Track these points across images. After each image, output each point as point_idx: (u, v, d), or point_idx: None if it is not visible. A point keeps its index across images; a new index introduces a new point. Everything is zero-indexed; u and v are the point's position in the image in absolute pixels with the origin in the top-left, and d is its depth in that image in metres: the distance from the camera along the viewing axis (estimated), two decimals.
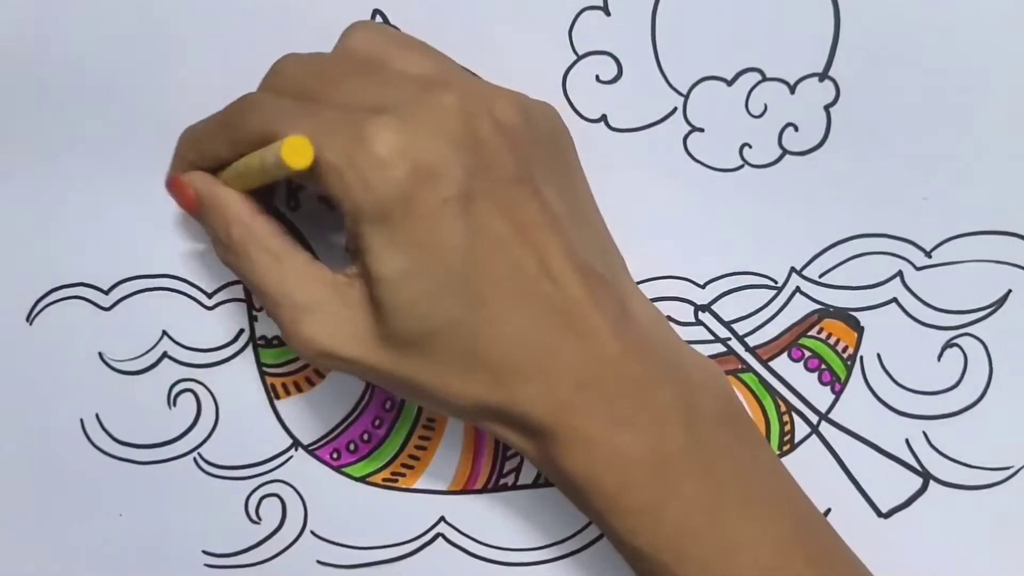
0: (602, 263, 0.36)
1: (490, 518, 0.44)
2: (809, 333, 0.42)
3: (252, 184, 0.36)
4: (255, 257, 0.36)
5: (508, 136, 0.34)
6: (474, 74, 0.39)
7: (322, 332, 0.34)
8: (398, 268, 0.32)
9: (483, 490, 0.43)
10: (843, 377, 0.42)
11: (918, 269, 0.41)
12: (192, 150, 0.38)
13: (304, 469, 0.43)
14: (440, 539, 0.44)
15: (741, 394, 0.42)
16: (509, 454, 0.43)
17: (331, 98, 0.34)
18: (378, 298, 0.33)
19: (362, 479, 0.43)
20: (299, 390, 0.43)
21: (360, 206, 0.32)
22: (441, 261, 0.32)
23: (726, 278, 0.42)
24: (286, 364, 0.43)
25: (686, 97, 0.41)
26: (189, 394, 0.43)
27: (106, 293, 0.43)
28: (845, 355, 0.42)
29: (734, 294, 0.42)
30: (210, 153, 0.37)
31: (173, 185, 0.38)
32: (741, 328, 0.42)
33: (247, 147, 0.35)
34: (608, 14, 0.40)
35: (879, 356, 0.42)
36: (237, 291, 0.43)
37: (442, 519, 0.44)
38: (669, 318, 0.42)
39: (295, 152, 0.32)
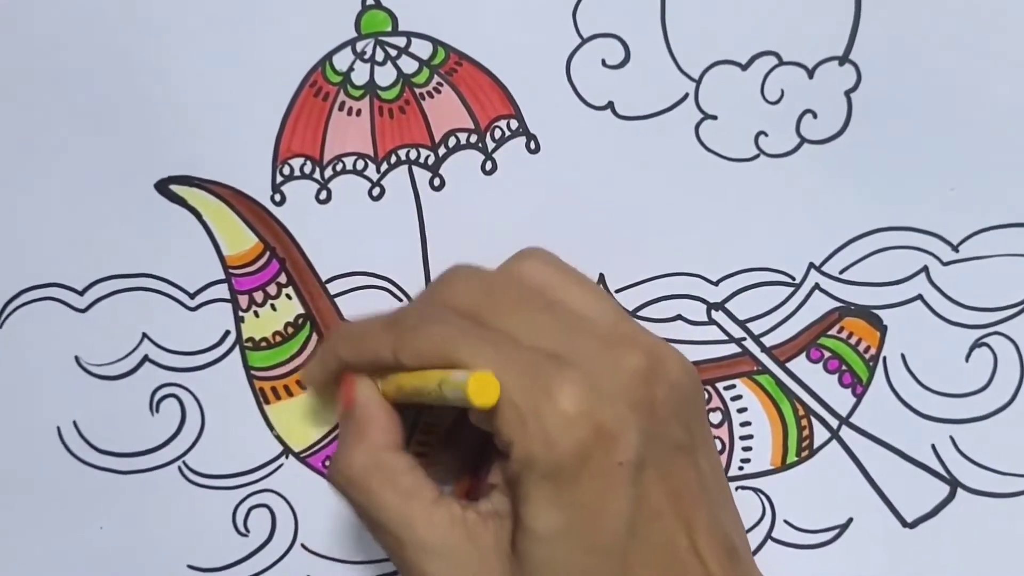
0: (736, 534, 0.37)
1: None
2: (829, 333, 0.42)
3: (412, 399, 0.36)
4: (378, 492, 0.36)
5: (677, 401, 0.35)
6: (635, 320, 0.39)
7: None
8: (556, 526, 0.33)
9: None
10: (865, 379, 0.42)
11: (945, 264, 0.41)
12: (351, 348, 0.38)
13: (295, 478, 0.43)
14: None
15: (756, 398, 0.42)
16: None
17: (505, 326, 0.35)
18: (524, 551, 0.34)
19: None
20: (289, 394, 0.43)
21: (534, 457, 0.33)
22: (601, 526, 0.33)
23: (741, 275, 0.42)
24: (275, 367, 0.43)
25: (698, 82, 0.41)
26: (172, 399, 0.43)
27: (81, 294, 0.42)
28: (867, 356, 0.42)
29: (749, 291, 0.42)
30: (370, 356, 0.37)
31: (345, 381, 0.39)
32: (757, 327, 0.42)
33: (414, 360, 0.35)
34: None
35: (903, 357, 0.42)
36: (221, 291, 0.43)
37: None
38: (680, 317, 0.42)
39: (482, 390, 0.33)
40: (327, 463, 0.43)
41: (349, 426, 0.38)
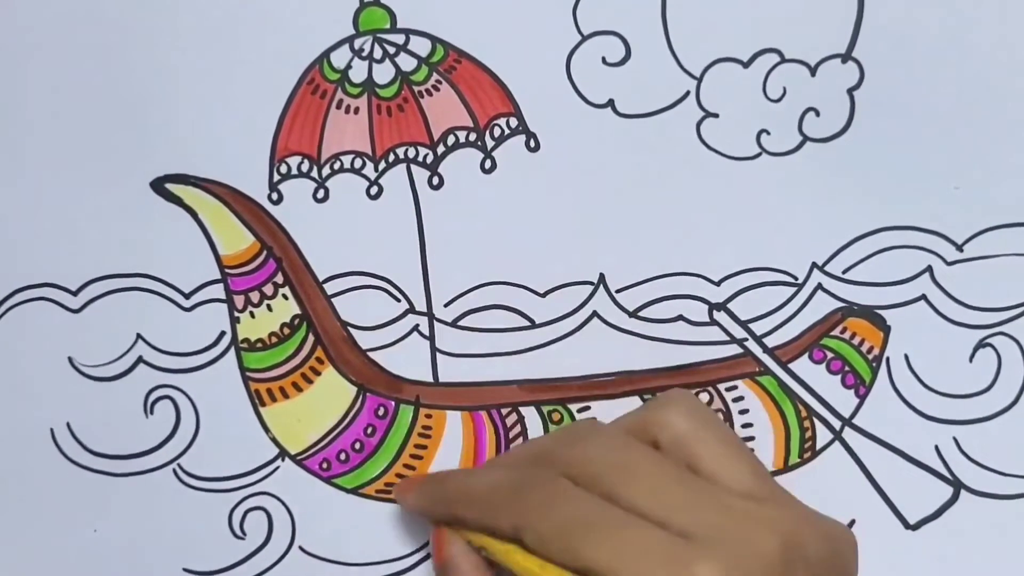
0: None
1: None
2: (832, 333, 0.42)
3: (518, 572, 0.36)
4: None
5: None
6: (780, 488, 0.38)
7: None
8: None
9: None
10: (868, 380, 0.42)
11: (949, 264, 0.41)
12: (469, 509, 0.38)
13: (292, 480, 0.43)
14: None
15: (759, 399, 0.42)
16: None
17: (638, 502, 0.34)
18: None
19: (354, 491, 0.43)
20: (285, 396, 0.43)
21: None
22: None
23: (743, 274, 0.42)
24: (271, 368, 0.43)
25: (699, 80, 0.41)
26: (167, 401, 0.43)
27: (75, 294, 0.42)
28: (870, 356, 0.42)
29: (751, 292, 0.42)
30: (489, 524, 0.37)
31: (435, 534, 0.39)
32: (759, 328, 0.42)
33: (538, 546, 0.35)
34: None
35: (907, 357, 0.42)
36: (217, 291, 0.42)
37: None
38: (681, 317, 0.42)
39: None
40: (323, 464, 0.43)
41: None
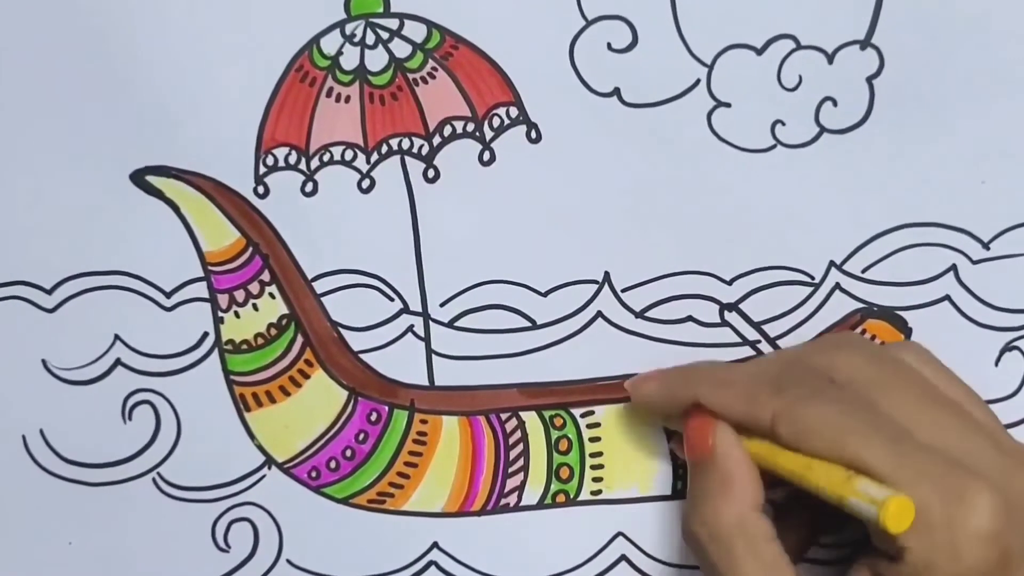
0: None
1: (489, 544, 0.43)
2: None
3: (780, 476, 0.36)
4: (740, 557, 0.36)
5: None
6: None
7: None
8: None
9: (481, 512, 0.43)
10: None
11: (974, 263, 0.41)
12: (720, 395, 0.38)
13: (278, 490, 0.43)
14: (433, 568, 0.43)
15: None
16: (511, 470, 0.43)
17: (902, 417, 0.35)
18: None
19: (344, 501, 0.43)
20: (272, 401, 0.43)
21: (935, 567, 0.34)
22: None
23: (756, 273, 0.42)
24: (257, 372, 0.43)
25: (710, 68, 0.40)
26: (146, 406, 0.43)
27: (49, 293, 0.42)
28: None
29: (765, 291, 0.42)
30: (741, 413, 0.37)
31: (695, 422, 0.38)
32: (772, 330, 0.42)
33: (797, 438, 0.35)
34: None
35: None
36: (199, 289, 0.42)
37: (435, 545, 0.43)
38: (691, 318, 0.42)
39: (898, 516, 0.33)
40: (312, 473, 0.43)
41: (712, 476, 0.37)
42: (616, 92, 0.41)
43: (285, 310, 0.42)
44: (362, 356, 0.42)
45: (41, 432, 0.43)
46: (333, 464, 0.43)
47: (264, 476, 0.43)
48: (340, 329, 0.42)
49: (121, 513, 0.43)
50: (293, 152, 0.41)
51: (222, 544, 0.43)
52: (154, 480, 0.43)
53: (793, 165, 0.41)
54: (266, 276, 0.42)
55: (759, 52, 0.40)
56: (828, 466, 0.34)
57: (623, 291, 0.42)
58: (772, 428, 0.35)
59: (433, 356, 0.42)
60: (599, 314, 0.42)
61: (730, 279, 0.42)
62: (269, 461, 0.43)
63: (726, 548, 0.36)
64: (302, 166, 0.41)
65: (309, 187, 0.41)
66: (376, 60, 0.41)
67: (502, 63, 0.41)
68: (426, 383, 0.43)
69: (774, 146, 0.41)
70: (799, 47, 0.40)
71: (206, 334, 0.43)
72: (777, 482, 0.36)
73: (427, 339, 0.42)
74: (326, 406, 0.43)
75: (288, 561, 0.43)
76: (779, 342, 0.42)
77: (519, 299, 0.42)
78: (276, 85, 0.41)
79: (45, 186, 0.42)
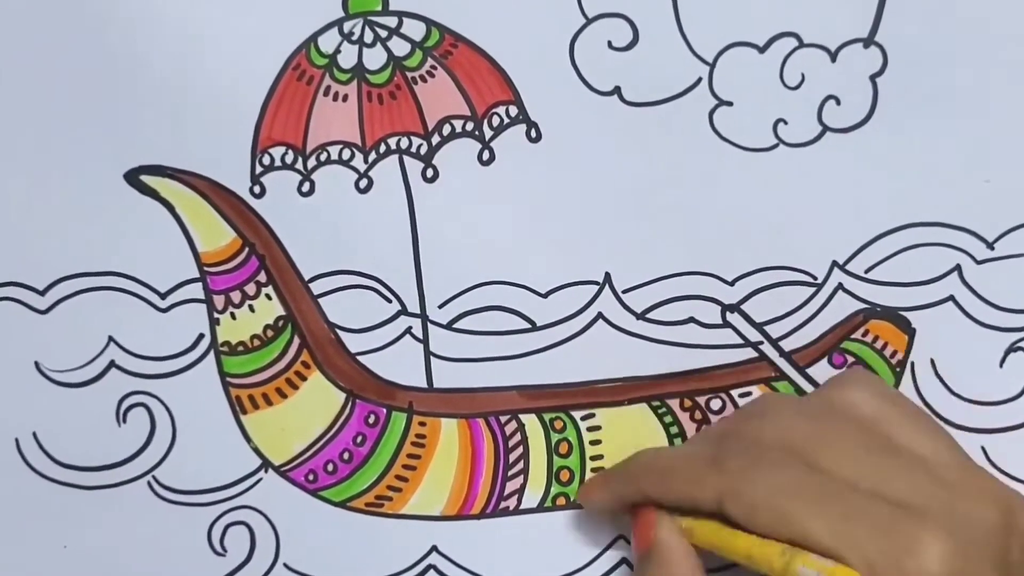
0: None
1: (489, 547, 0.43)
2: (853, 336, 0.42)
3: (731, 556, 0.36)
4: None
5: None
6: (975, 463, 0.38)
7: None
8: None
9: (481, 515, 0.43)
10: (892, 385, 0.42)
11: (978, 263, 0.41)
12: (661, 485, 0.38)
13: (275, 493, 0.43)
14: (432, 571, 0.43)
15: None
16: (511, 473, 0.43)
17: (843, 471, 0.35)
18: None
19: (342, 504, 0.43)
20: (268, 403, 0.43)
21: None
22: None
23: (758, 274, 0.42)
24: (253, 374, 0.43)
25: (712, 66, 0.41)
26: (141, 409, 0.43)
27: (42, 294, 0.42)
28: (894, 361, 0.42)
29: (767, 292, 0.42)
30: (685, 499, 0.37)
31: (640, 517, 0.38)
32: (775, 330, 0.42)
33: (745, 516, 0.35)
34: None
35: (932, 362, 0.42)
36: (195, 290, 0.42)
37: (434, 549, 0.43)
38: (692, 319, 0.42)
39: None
40: (309, 476, 0.43)
41: (654, 570, 0.37)
42: (617, 91, 0.41)
43: (282, 311, 0.42)
44: (360, 358, 0.42)
45: (34, 435, 0.43)
46: (330, 467, 0.43)
47: (261, 479, 0.43)
48: (337, 331, 0.42)
49: (116, 517, 0.43)
50: (290, 151, 0.41)
51: (218, 548, 0.43)
52: (149, 483, 0.43)
53: (796, 164, 0.41)
54: (262, 277, 0.42)
55: (761, 50, 0.40)
56: (769, 546, 0.34)
57: (624, 292, 0.42)
58: (720, 508, 0.35)
59: (432, 358, 0.42)
60: (600, 315, 0.42)
61: (732, 280, 0.42)
62: (266, 464, 0.43)
63: None
64: (299, 165, 0.41)
65: (306, 187, 0.41)
66: (374, 58, 0.41)
67: (502, 61, 0.41)
68: (425, 385, 0.42)
69: (776, 145, 0.41)
70: (802, 45, 0.40)
71: (202, 336, 0.42)
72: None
73: (426, 341, 0.42)
74: (323, 408, 0.43)
75: (285, 565, 0.43)
76: (782, 343, 0.42)
77: (519, 300, 0.42)
78: (273, 83, 0.41)
79: (38, 185, 0.42)
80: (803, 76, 0.40)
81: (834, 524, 0.33)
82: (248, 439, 0.43)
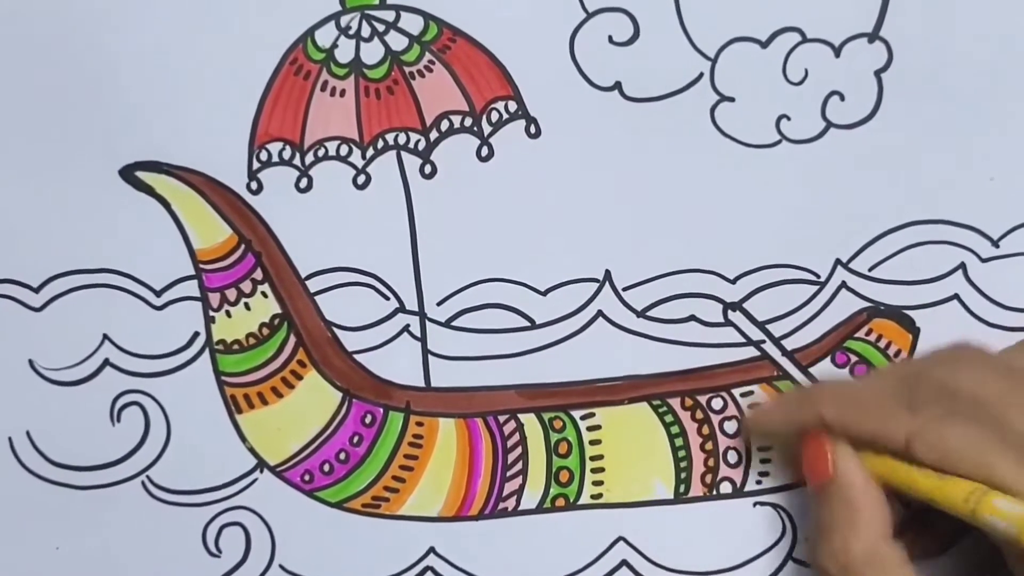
0: None
1: (487, 549, 0.43)
2: (856, 335, 0.42)
3: (912, 496, 0.36)
4: None
5: None
6: None
7: None
8: None
9: (479, 516, 0.43)
10: None
11: (983, 261, 0.41)
12: (850, 414, 0.38)
13: (271, 494, 0.43)
14: (429, 573, 0.43)
15: None
16: (509, 474, 0.43)
17: None
18: None
19: (338, 505, 0.43)
20: (264, 403, 0.43)
21: None
22: None
23: (760, 271, 0.42)
24: (249, 372, 0.43)
25: (714, 61, 0.40)
26: (135, 408, 0.43)
27: (36, 291, 0.42)
28: (898, 360, 0.42)
29: (769, 290, 0.42)
30: (872, 432, 0.37)
31: (812, 445, 0.38)
32: (777, 329, 0.42)
33: (935, 457, 0.35)
34: None
35: None
36: (190, 288, 0.42)
37: (432, 550, 0.43)
38: (693, 318, 0.42)
39: None
40: (305, 476, 0.43)
41: (837, 505, 0.37)
42: (617, 86, 0.41)
43: (278, 309, 0.42)
44: (356, 356, 0.42)
45: (28, 434, 0.43)
46: (327, 467, 0.43)
47: (256, 479, 0.43)
48: (334, 329, 0.42)
49: (109, 517, 0.43)
50: (287, 147, 0.41)
51: (213, 549, 0.43)
52: (143, 483, 0.43)
53: (799, 161, 0.41)
54: (258, 274, 0.42)
55: (764, 45, 0.40)
56: (961, 483, 0.34)
57: (624, 290, 0.42)
58: (908, 448, 0.35)
59: (429, 356, 0.42)
60: (600, 313, 0.42)
61: (734, 277, 0.42)
62: (261, 464, 0.43)
63: None
64: (296, 161, 0.41)
65: (303, 183, 0.41)
66: (372, 53, 0.41)
67: (501, 56, 0.41)
68: (422, 384, 0.42)
69: (779, 141, 0.41)
70: (805, 40, 0.40)
71: (197, 334, 0.42)
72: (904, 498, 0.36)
73: (423, 339, 0.42)
74: (319, 408, 0.43)
75: (281, 567, 0.43)
76: (784, 342, 0.42)
77: (518, 298, 0.42)
78: (270, 79, 0.41)
79: (32, 182, 0.42)
80: (806, 71, 0.40)
81: None
82: (243, 439, 0.43)
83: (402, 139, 0.41)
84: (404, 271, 0.42)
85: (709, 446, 0.42)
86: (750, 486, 0.42)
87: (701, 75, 0.41)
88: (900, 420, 0.36)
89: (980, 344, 0.39)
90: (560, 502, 0.43)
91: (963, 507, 0.34)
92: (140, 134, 0.41)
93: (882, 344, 0.42)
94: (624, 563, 0.43)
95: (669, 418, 0.42)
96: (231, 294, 0.42)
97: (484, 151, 0.41)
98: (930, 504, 0.35)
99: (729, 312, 0.42)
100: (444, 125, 0.41)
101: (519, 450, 0.43)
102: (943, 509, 0.35)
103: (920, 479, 0.35)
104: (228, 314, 0.42)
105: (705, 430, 0.42)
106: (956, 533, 0.39)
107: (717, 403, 0.42)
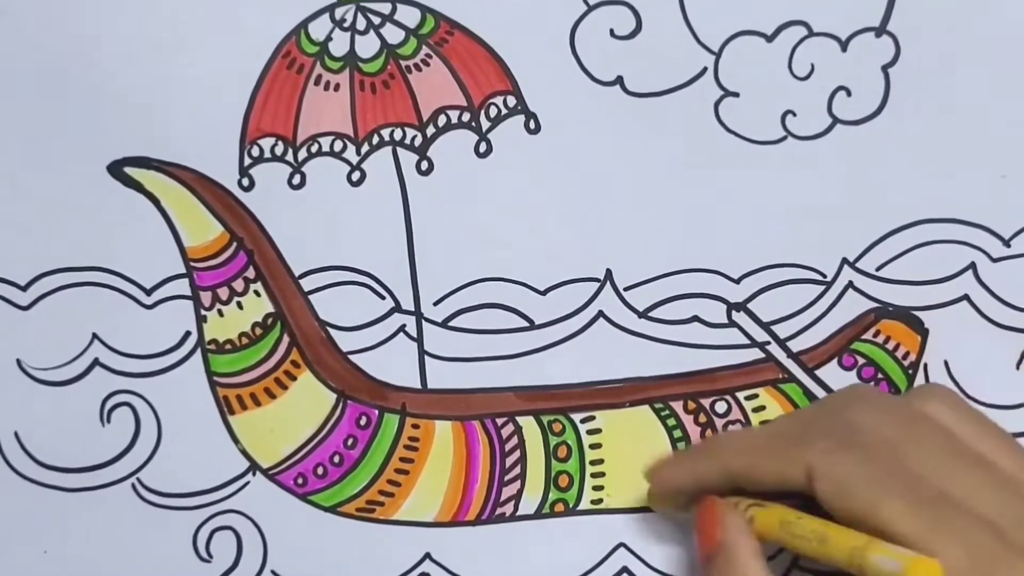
0: None
1: (484, 555, 0.43)
2: (864, 336, 0.42)
3: (798, 549, 0.36)
4: None
5: None
6: None
7: None
8: None
9: (476, 522, 0.43)
10: (903, 388, 0.42)
11: (994, 261, 0.41)
12: (746, 453, 0.38)
13: (263, 497, 0.43)
14: None
15: (782, 409, 0.42)
16: (507, 478, 0.43)
17: (934, 478, 0.35)
18: None
19: (332, 509, 0.43)
20: (257, 404, 0.43)
21: None
22: None
23: (765, 271, 0.42)
24: (241, 373, 0.43)
25: (718, 55, 0.41)
26: (126, 408, 0.43)
27: (24, 289, 0.42)
28: (906, 363, 0.42)
29: (774, 290, 0.42)
30: (772, 475, 0.37)
31: (706, 510, 0.38)
32: (783, 330, 0.42)
33: (830, 496, 0.35)
34: None
35: (946, 364, 0.42)
36: (181, 287, 0.42)
37: (427, 556, 0.43)
38: (696, 318, 0.42)
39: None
40: (298, 479, 0.43)
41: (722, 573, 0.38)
42: (619, 81, 0.41)
43: (271, 308, 0.42)
44: (351, 357, 0.42)
45: (16, 435, 0.43)
46: (320, 470, 0.43)
47: (248, 483, 0.43)
48: (328, 329, 0.42)
49: (99, 520, 0.43)
50: (280, 143, 0.41)
51: (204, 554, 0.43)
52: (133, 486, 0.43)
53: (804, 158, 0.41)
54: (251, 273, 0.42)
55: (769, 39, 0.40)
56: (844, 531, 0.34)
57: (625, 290, 0.42)
58: (809, 482, 0.35)
59: (426, 357, 0.42)
60: (600, 314, 0.42)
61: (738, 277, 0.42)
62: (253, 467, 0.43)
63: None
64: (289, 157, 0.41)
65: (296, 179, 0.41)
66: (367, 46, 0.41)
67: (499, 50, 0.41)
68: (418, 386, 0.42)
69: (784, 138, 0.41)
70: (811, 34, 0.40)
71: (188, 333, 0.42)
72: None
73: (420, 339, 0.42)
74: (313, 409, 0.43)
75: (273, 572, 0.43)
76: (790, 343, 0.42)
77: (516, 298, 0.42)
78: (262, 73, 0.41)
79: (19, 178, 0.42)
80: (812, 66, 0.40)
81: (924, 526, 0.33)
82: (236, 441, 0.43)
83: (398, 135, 0.41)
84: (400, 270, 0.42)
85: None
86: None
87: (705, 70, 0.41)
88: (801, 457, 0.36)
89: (874, 388, 0.40)
90: (559, 507, 0.42)
91: (844, 557, 0.34)
92: (129, 129, 0.41)
93: (890, 346, 0.42)
94: (625, 570, 0.42)
95: (671, 421, 0.42)
96: (223, 293, 0.42)
97: (482, 147, 0.41)
98: (816, 557, 0.35)
99: (733, 313, 0.42)
100: (441, 120, 0.41)
101: (517, 454, 0.42)
102: (825, 562, 0.34)
103: (808, 523, 0.35)
104: (220, 313, 0.42)
105: (708, 434, 0.42)
106: None
107: (721, 406, 0.42)
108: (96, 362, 0.42)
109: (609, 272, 0.42)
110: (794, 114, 0.41)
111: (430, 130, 0.41)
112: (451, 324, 0.42)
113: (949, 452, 0.35)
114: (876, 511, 0.34)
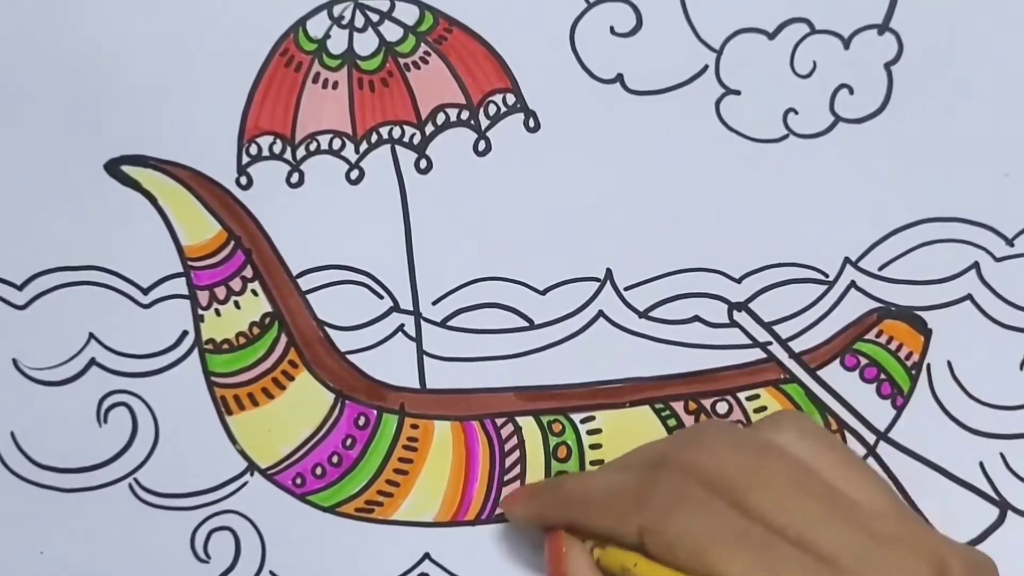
0: None
1: (483, 555, 0.43)
2: (866, 337, 0.42)
3: None
4: None
5: None
6: (912, 510, 0.40)
7: None
8: None
9: (475, 522, 0.43)
10: (906, 389, 0.42)
11: (997, 260, 0.41)
12: (585, 514, 0.39)
13: (261, 497, 0.43)
14: None
15: (782, 409, 0.42)
16: (507, 478, 0.43)
17: (772, 515, 0.35)
18: None
19: (331, 509, 0.43)
20: (255, 404, 0.43)
21: None
22: None
23: (767, 271, 0.42)
24: (239, 373, 0.43)
25: (719, 53, 0.41)
26: (123, 408, 0.43)
27: (20, 289, 0.42)
28: (909, 363, 0.42)
29: (776, 290, 0.42)
30: (606, 530, 0.38)
31: (554, 542, 0.39)
32: (784, 330, 0.42)
33: (663, 553, 0.36)
34: None
35: (949, 364, 0.42)
36: (178, 286, 0.42)
37: (426, 556, 0.43)
38: (697, 318, 0.42)
39: None
40: (297, 480, 0.43)
41: None
42: (619, 78, 0.41)
43: (268, 308, 0.42)
44: (350, 357, 0.42)
45: (12, 435, 0.43)
46: (319, 471, 0.43)
47: (246, 483, 0.43)
48: (326, 328, 0.42)
49: (96, 521, 0.43)
50: (278, 141, 0.41)
51: (202, 554, 0.43)
52: (130, 486, 0.43)
53: (806, 156, 0.41)
54: (248, 272, 0.42)
55: (771, 36, 0.40)
56: None
57: (626, 289, 0.42)
58: (641, 544, 0.36)
59: (425, 357, 0.42)
60: (600, 314, 0.42)
61: (739, 277, 0.42)
62: (252, 467, 0.43)
63: None
64: (287, 155, 0.41)
65: (295, 178, 0.41)
66: (365, 44, 0.41)
67: (499, 47, 0.41)
68: (417, 386, 0.42)
69: (786, 136, 0.41)
70: (813, 31, 0.40)
71: (185, 333, 0.42)
72: None
73: (418, 339, 0.42)
74: (311, 409, 0.43)
75: (271, 572, 0.43)
76: (791, 343, 0.42)
77: (516, 297, 0.42)
78: (259, 70, 0.41)
79: (15, 176, 0.42)
80: (814, 64, 0.40)
81: (752, 571, 0.34)
82: (233, 441, 0.43)
83: (397, 133, 0.41)
84: (398, 269, 0.42)
85: None
86: None
87: (706, 67, 0.41)
88: (632, 517, 0.36)
89: (725, 423, 0.40)
90: None
91: None
92: (126, 127, 0.41)
93: (893, 346, 0.42)
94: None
95: (672, 422, 0.42)
96: (220, 292, 0.42)
97: (481, 145, 0.41)
98: None
99: (734, 312, 0.42)
100: (440, 118, 0.41)
101: (517, 454, 0.42)
102: None
103: (648, 571, 0.36)
104: (217, 313, 0.42)
105: None
106: None
107: (722, 407, 0.42)
108: (93, 362, 0.42)
109: (609, 271, 0.42)
110: (796, 112, 0.41)
111: (429, 128, 0.41)
112: (450, 324, 0.42)
113: (794, 487, 0.36)
114: (709, 564, 0.34)
